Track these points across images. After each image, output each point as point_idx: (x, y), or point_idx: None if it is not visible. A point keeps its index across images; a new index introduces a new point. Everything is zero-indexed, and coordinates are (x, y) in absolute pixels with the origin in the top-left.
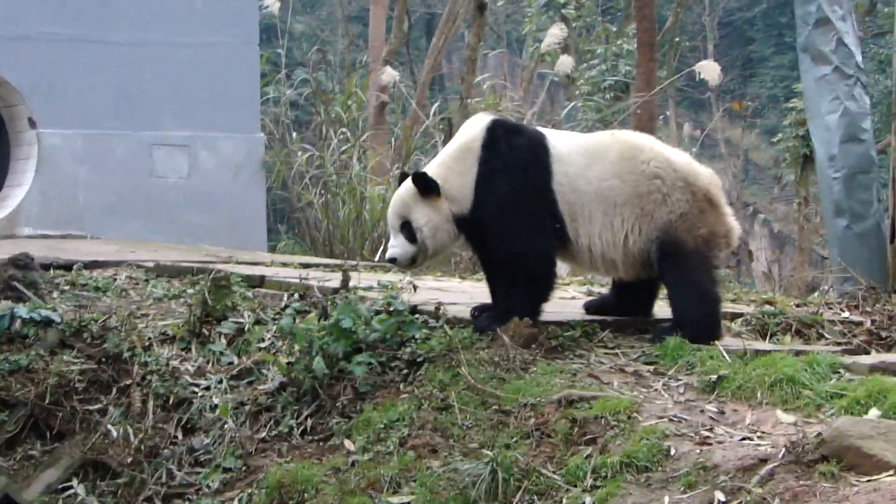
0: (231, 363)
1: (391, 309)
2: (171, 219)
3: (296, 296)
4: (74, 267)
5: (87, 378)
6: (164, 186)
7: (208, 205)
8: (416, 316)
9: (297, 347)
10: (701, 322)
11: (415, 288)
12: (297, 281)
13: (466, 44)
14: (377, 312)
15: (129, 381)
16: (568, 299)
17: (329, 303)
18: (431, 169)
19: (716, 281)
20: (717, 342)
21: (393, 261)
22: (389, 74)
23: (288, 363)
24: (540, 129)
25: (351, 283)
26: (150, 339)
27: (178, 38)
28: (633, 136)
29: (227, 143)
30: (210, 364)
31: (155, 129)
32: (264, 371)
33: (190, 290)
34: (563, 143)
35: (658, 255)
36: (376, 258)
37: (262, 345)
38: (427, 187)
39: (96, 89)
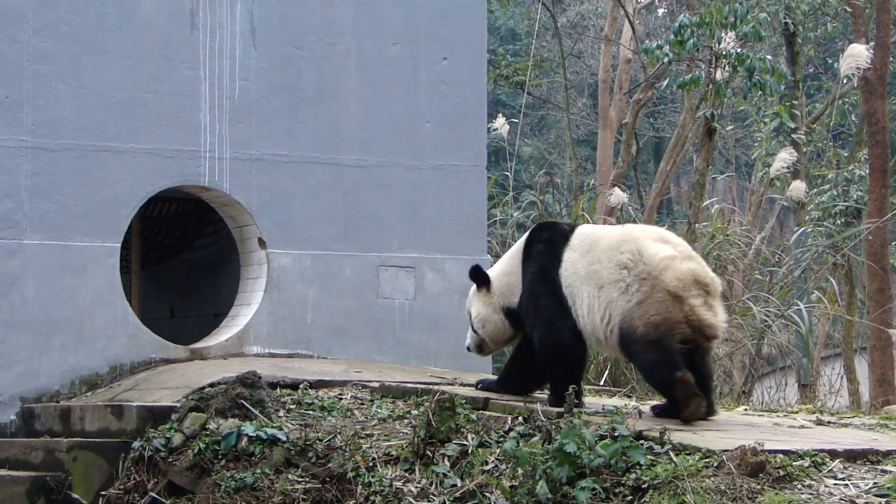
0: (454, 485)
1: (615, 434)
2: (396, 340)
3: (520, 419)
4: (301, 386)
5: (312, 497)
6: (390, 307)
7: (434, 326)
8: (641, 441)
9: (520, 471)
10: (667, 387)
11: (640, 413)
12: (521, 404)
13: (694, 168)
14: (601, 437)
15: (352, 502)
16: (796, 428)
17: (553, 427)
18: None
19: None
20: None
21: (469, 349)
22: (618, 196)
23: (511, 487)
24: (581, 224)
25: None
26: (374, 459)
27: (407, 161)
28: (632, 228)
29: (454, 265)
30: (433, 486)
31: (382, 251)
32: (487, 494)
33: (414, 412)
34: (585, 234)
35: (618, 341)
36: (601, 382)
37: (486, 468)
38: (478, 280)
39: (325, 210)
